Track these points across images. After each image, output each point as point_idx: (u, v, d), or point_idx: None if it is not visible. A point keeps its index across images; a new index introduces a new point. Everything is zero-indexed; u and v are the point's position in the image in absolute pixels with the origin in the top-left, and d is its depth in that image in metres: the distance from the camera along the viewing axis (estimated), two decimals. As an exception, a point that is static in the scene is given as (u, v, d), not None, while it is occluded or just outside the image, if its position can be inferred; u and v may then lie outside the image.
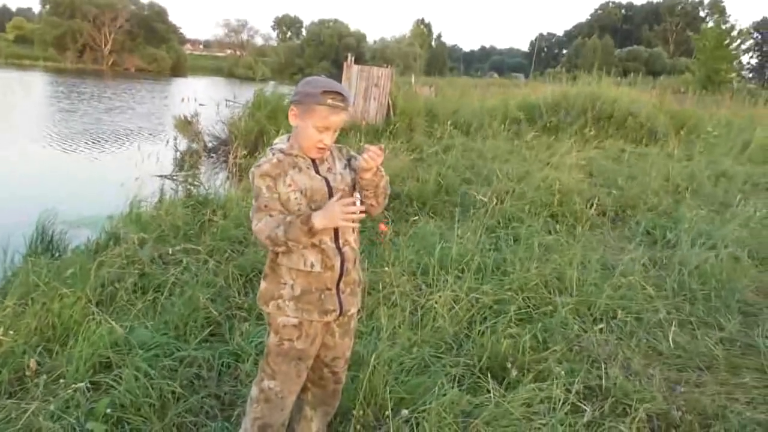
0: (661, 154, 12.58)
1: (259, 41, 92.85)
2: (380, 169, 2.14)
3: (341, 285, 2.20)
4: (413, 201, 7.07)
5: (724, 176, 9.35)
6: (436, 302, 3.63)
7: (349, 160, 2.27)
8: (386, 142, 11.99)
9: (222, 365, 3.22)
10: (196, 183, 7.98)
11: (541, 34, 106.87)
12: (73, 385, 2.89)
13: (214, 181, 10.06)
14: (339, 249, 2.16)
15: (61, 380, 3.00)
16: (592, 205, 6.68)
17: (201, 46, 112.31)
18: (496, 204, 6.22)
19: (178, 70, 64.98)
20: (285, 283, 2.16)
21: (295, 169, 2.12)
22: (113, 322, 3.25)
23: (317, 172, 2.16)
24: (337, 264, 2.16)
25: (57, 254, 5.90)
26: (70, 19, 59.80)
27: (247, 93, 15.87)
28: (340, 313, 2.21)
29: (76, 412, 2.72)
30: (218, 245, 4.95)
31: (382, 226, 2.32)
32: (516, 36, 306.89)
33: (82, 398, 2.83)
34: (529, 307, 3.84)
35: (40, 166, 11.83)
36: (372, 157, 2.06)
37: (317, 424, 2.44)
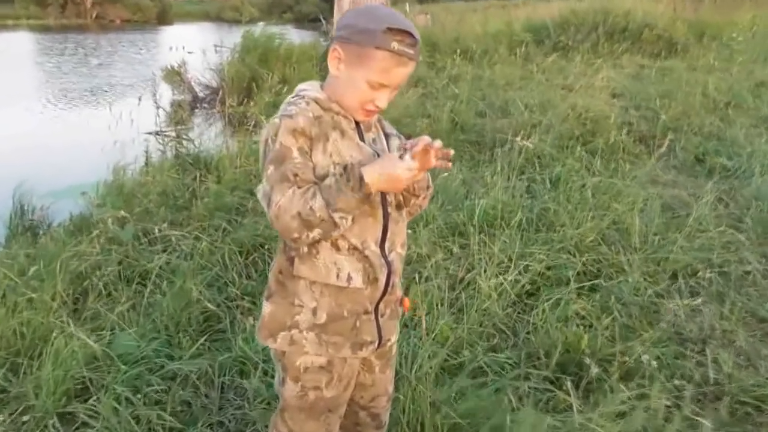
0: (683, 66, 11.68)
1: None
2: None
3: (380, 306, 1.55)
4: (427, 143, 6.33)
5: (764, 86, 8.48)
6: (478, 275, 2.97)
7: (387, 136, 1.59)
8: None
9: (224, 375, 2.61)
10: (184, 139, 7.22)
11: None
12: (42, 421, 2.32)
13: (209, 134, 9.33)
14: (385, 257, 1.51)
15: (25, 416, 2.40)
16: (628, 132, 5.94)
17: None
18: (522, 139, 5.46)
19: (164, 18, 62.62)
20: (302, 306, 1.50)
21: (336, 131, 1.45)
22: (86, 337, 2.61)
23: (362, 140, 1.49)
24: (383, 277, 1.51)
25: (40, 233, 5.28)
26: (48, -28, 57.46)
27: (236, 36, 14.86)
28: (379, 344, 1.57)
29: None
30: (212, 216, 4.28)
31: (406, 303, 1.58)
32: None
33: (53, 438, 2.24)
34: (587, 270, 3.18)
35: (24, 130, 11.06)
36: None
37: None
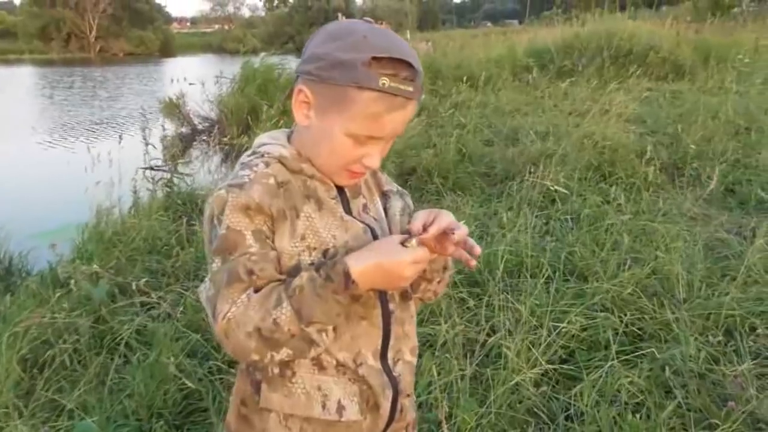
0: (693, 89, 11.39)
1: (246, 13, 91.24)
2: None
3: None
4: (432, 176, 5.91)
5: (784, 108, 8.07)
6: (503, 340, 2.52)
7: (385, 195, 1.16)
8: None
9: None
10: (176, 176, 6.80)
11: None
12: None
13: (205, 169, 8.94)
14: (389, 371, 1.09)
15: None
16: (648, 160, 5.51)
17: (188, 24, 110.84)
18: (538, 173, 5.05)
19: (166, 50, 63.36)
20: None
21: (310, 203, 1.04)
22: (30, 434, 2.16)
23: (348, 211, 1.08)
24: (387, 401, 1.08)
25: (18, 282, 4.85)
26: (52, 8, 57.97)
27: (237, 67, 14.64)
28: None
29: None
30: (200, 267, 3.86)
31: None
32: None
33: None
34: (629, 330, 2.73)
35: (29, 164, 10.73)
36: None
37: None
